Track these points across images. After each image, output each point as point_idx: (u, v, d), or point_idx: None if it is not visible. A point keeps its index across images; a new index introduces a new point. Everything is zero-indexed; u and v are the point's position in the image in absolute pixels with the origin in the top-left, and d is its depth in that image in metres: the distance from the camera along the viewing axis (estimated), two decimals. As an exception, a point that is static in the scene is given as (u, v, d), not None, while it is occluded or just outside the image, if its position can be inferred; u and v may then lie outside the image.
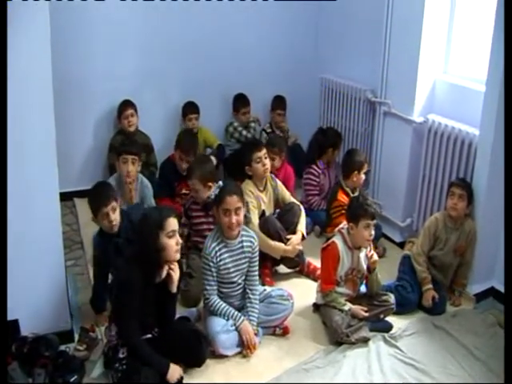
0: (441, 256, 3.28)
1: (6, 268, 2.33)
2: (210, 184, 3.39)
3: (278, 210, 3.68)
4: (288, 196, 3.68)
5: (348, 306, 2.98)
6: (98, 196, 2.93)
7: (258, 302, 2.97)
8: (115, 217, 2.88)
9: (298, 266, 3.57)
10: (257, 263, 2.99)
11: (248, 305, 2.95)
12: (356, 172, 3.79)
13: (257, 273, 3.01)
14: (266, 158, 3.55)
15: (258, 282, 3.03)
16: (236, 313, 2.89)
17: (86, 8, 4.10)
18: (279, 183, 3.68)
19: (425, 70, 3.65)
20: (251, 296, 2.96)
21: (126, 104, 4.37)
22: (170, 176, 4.14)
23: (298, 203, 3.66)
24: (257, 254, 2.98)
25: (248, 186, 3.53)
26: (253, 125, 4.82)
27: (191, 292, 3.18)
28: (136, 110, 4.39)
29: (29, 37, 2.39)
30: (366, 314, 2.97)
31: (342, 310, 2.96)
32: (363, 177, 3.85)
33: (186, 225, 3.46)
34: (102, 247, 2.95)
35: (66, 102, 4.00)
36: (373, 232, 2.98)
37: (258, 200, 3.52)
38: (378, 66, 3.95)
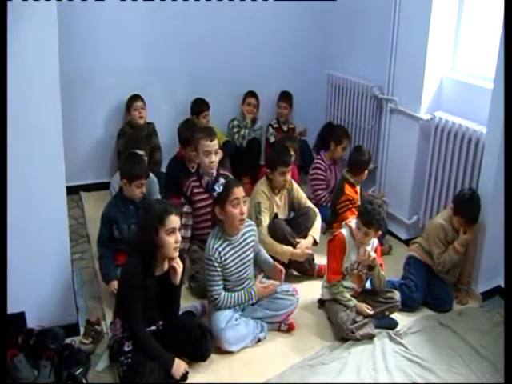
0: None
1: (6, 263, 2.33)
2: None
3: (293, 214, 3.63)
4: (304, 199, 3.61)
5: (353, 302, 2.98)
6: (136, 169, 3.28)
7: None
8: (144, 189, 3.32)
9: (308, 271, 3.49)
10: (261, 246, 3.08)
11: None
12: (366, 171, 3.85)
13: (264, 251, 3.08)
14: (289, 172, 3.47)
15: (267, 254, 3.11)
16: (245, 289, 2.92)
17: (93, 3, 4.09)
18: (295, 185, 3.60)
19: (432, 67, 3.63)
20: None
21: (136, 97, 4.38)
22: (177, 174, 3.95)
23: (315, 208, 3.59)
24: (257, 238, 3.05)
25: (262, 187, 3.46)
26: (257, 125, 4.76)
27: (201, 283, 3.16)
28: (145, 104, 4.41)
29: (36, 32, 2.38)
30: (371, 312, 2.97)
31: (347, 306, 2.96)
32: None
33: (190, 213, 3.38)
34: (113, 208, 3.27)
35: (72, 97, 4.03)
36: (372, 240, 3.00)
37: (270, 202, 3.45)
38: (385, 63, 3.94)
